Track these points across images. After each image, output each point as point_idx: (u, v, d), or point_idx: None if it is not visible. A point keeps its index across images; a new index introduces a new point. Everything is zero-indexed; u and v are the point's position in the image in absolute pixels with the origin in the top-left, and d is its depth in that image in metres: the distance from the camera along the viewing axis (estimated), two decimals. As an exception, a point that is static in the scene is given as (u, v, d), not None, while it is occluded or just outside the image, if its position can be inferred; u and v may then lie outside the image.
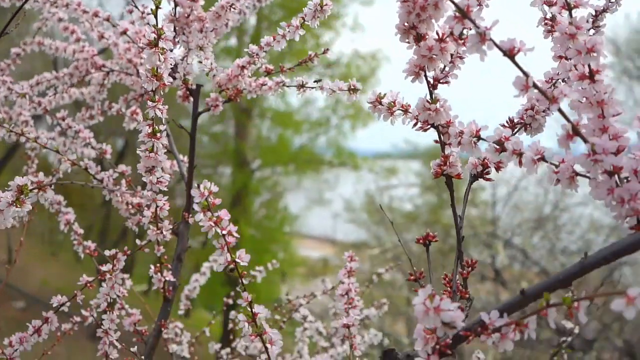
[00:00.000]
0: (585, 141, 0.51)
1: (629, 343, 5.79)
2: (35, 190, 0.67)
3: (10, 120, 1.27)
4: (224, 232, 0.62)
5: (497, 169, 0.67)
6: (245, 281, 0.65)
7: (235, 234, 0.63)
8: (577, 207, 7.39)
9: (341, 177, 11.95)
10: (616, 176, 0.52)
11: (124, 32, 1.06)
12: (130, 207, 1.02)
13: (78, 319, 1.13)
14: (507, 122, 0.69)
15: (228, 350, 1.36)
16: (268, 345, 0.64)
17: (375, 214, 9.64)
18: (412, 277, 0.68)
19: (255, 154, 11.76)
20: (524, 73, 0.51)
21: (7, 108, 1.29)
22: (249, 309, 0.65)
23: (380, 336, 1.32)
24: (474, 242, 7.17)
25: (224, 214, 0.63)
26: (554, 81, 0.69)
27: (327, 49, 0.99)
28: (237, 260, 0.64)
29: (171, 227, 0.91)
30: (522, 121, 0.69)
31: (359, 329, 1.48)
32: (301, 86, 0.96)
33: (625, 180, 0.52)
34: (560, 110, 0.52)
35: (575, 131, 0.51)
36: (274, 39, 0.92)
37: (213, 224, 0.62)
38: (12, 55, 1.33)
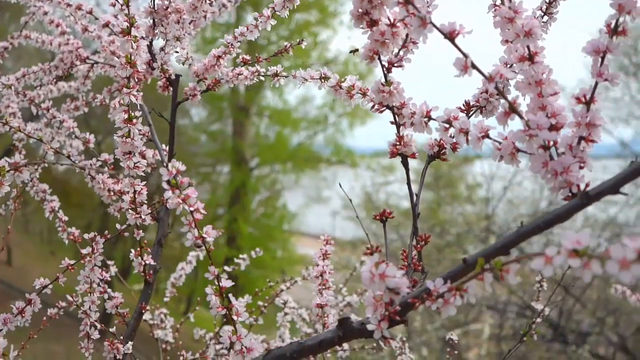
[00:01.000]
0: (522, 118, 0.55)
1: (623, 337, 5.83)
2: (12, 172, 0.70)
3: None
4: (192, 209, 0.66)
5: (454, 149, 0.71)
6: (208, 255, 0.69)
7: (203, 211, 0.67)
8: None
9: (339, 174, 11.98)
10: (553, 150, 0.56)
11: (106, 25, 1.09)
12: (112, 193, 1.06)
13: (63, 303, 1.16)
14: (463, 104, 0.73)
15: (211, 334, 1.40)
16: (234, 317, 0.68)
17: (373, 211, 9.65)
18: (368, 251, 0.71)
19: (254, 152, 11.79)
20: (464, 54, 0.54)
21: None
22: (216, 283, 0.69)
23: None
24: (469, 239, 7.21)
25: (192, 192, 0.66)
26: (507, 66, 0.72)
27: (302, 40, 1.03)
28: (204, 235, 0.67)
29: (149, 211, 0.94)
30: (477, 104, 0.72)
31: (340, 314, 1.51)
32: (275, 75, 0.99)
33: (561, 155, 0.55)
34: (498, 90, 0.55)
35: (512, 109, 0.55)
36: (247, 29, 0.96)
37: (181, 201, 0.65)
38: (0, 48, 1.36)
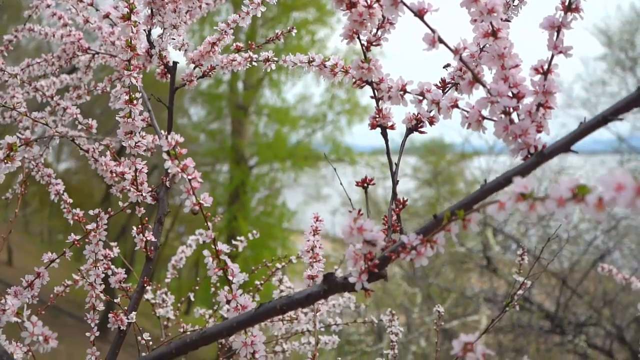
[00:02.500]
0: (484, 86, 0.61)
1: (619, 328, 5.89)
2: (23, 146, 0.76)
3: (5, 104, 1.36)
4: (190, 177, 0.72)
5: (431, 123, 0.77)
6: (209, 223, 0.75)
7: (200, 180, 0.73)
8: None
9: (338, 172, 12.04)
10: (515, 116, 0.62)
11: (107, 16, 1.15)
12: (114, 175, 1.12)
13: (69, 282, 1.22)
14: (439, 81, 0.79)
15: (210, 311, 1.46)
16: (230, 277, 0.74)
17: (371, 206, 9.69)
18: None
19: (253, 150, 11.85)
20: (432, 30, 0.60)
21: (1, 92, 1.38)
22: (213, 247, 0.74)
23: (354, 299, 1.42)
24: (465, 233, 7.29)
25: (190, 162, 0.72)
26: (481, 45, 0.78)
27: (293, 28, 1.09)
28: (201, 202, 0.73)
29: (150, 189, 1.00)
30: (452, 81, 0.78)
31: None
32: (267, 60, 1.05)
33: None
34: (462, 61, 0.61)
35: (475, 78, 0.61)
36: (240, 16, 1.02)
37: (180, 170, 0.71)
38: (4, 42, 1.42)
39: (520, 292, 1.13)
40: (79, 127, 1.19)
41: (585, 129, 0.56)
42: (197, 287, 1.54)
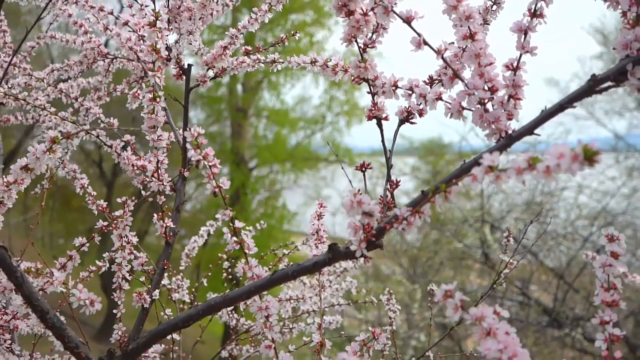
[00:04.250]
0: (463, 81, 0.72)
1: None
2: (65, 139, 0.87)
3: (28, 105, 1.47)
4: (210, 164, 0.83)
5: (420, 114, 0.88)
6: (228, 202, 0.86)
7: (218, 166, 0.84)
8: (565, 193, 7.63)
9: (337, 173, 12.15)
10: (490, 106, 0.73)
11: (126, 23, 1.26)
12: (135, 168, 1.23)
13: (93, 268, 1.33)
14: (427, 78, 0.90)
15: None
16: (246, 251, 0.85)
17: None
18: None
19: (252, 153, 11.95)
20: (418, 34, 0.71)
21: (25, 94, 1.49)
22: (231, 224, 0.86)
23: (355, 282, 1.52)
24: (465, 230, 7.39)
25: (210, 151, 0.83)
26: (461, 46, 0.89)
27: (296, 32, 1.20)
28: (220, 185, 0.84)
29: (170, 179, 1.11)
30: (439, 77, 0.89)
31: (337, 279, 1.68)
32: (273, 61, 1.16)
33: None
34: (444, 60, 0.72)
35: (455, 74, 0.72)
36: (249, 22, 1.13)
37: (202, 158, 0.83)
38: (27, 47, 1.53)
39: (506, 270, 1.24)
40: (101, 125, 1.29)
41: (546, 115, 0.67)
42: (209, 274, 1.65)
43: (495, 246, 6.05)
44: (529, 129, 0.67)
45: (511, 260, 1.26)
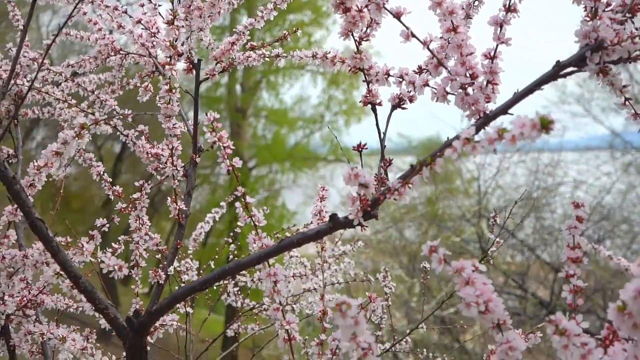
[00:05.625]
0: (446, 68, 0.82)
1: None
2: (94, 125, 0.97)
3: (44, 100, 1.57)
4: (225, 145, 0.93)
5: (410, 100, 0.98)
6: (239, 180, 0.96)
7: (232, 147, 0.94)
8: (561, 188, 7.74)
9: (337, 172, 12.25)
10: (469, 90, 0.83)
11: (139, 21, 1.36)
12: (149, 155, 1.32)
13: (110, 249, 1.43)
14: (417, 67, 1.00)
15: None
16: (256, 223, 0.95)
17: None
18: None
19: (252, 152, 12.05)
20: (406, 27, 0.81)
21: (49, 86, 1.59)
22: (243, 199, 0.95)
23: (353, 263, 1.63)
24: (463, 226, 7.51)
25: (224, 133, 0.93)
26: (446, 38, 0.99)
27: (297, 29, 1.30)
28: (233, 163, 0.94)
29: (183, 164, 1.21)
30: (426, 67, 0.99)
31: (336, 261, 1.78)
32: (277, 56, 1.26)
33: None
34: (429, 50, 0.82)
35: (439, 62, 0.82)
36: (255, 20, 1.23)
37: (217, 140, 0.93)
38: (44, 45, 1.63)
39: (493, 248, 1.34)
40: (116, 116, 1.39)
41: (518, 97, 0.77)
42: (217, 257, 1.75)
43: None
44: (503, 110, 0.78)
45: (497, 240, 1.36)
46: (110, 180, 1.40)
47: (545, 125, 0.58)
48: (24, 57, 1.59)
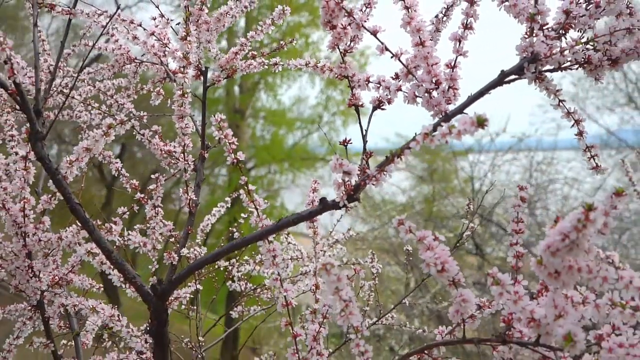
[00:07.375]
0: (414, 76, 1.00)
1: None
2: (119, 124, 1.14)
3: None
4: (230, 141, 1.10)
5: (389, 102, 1.15)
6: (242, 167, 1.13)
7: (236, 143, 1.11)
8: (556, 186, 7.93)
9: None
10: (434, 94, 1.00)
11: (152, 34, 1.53)
12: (162, 152, 1.50)
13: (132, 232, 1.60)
14: (394, 74, 1.17)
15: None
16: (258, 207, 1.12)
17: (368, 204, 10.05)
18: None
19: (250, 153, 12.21)
20: (381, 42, 0.99)
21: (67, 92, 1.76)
22: (246, 187, 1.13)
23: (345, 249, 1.80)
24: (456, 223, 7.70)
25: (229, 131, 1.11)
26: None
27: (293, 39, 1.47)
28: (238, 157, 1.11)
29: (194, 159, 1.39)
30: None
31: (329, 248, 1.95)
32: (275, 64, 1.44)
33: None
34: (400, 61, 1.00)
35: (408, 71, 1.00)
36: (256, 33, 1.40)
37: (223, 137, 1.10)
38: (64, 55, 1.80)
39: (467, 233, 1.51)
40: (133, 118, 1.57)
41: (470, 100, 0.94)
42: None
43: (486, 236, 6.34)
44: (459, 110, 0.95)
45: (472, 225, 1.54)
46: (128, 174, 1.57)
47: (480, 122, 0.76)
48: (45, 63, 1.77)
